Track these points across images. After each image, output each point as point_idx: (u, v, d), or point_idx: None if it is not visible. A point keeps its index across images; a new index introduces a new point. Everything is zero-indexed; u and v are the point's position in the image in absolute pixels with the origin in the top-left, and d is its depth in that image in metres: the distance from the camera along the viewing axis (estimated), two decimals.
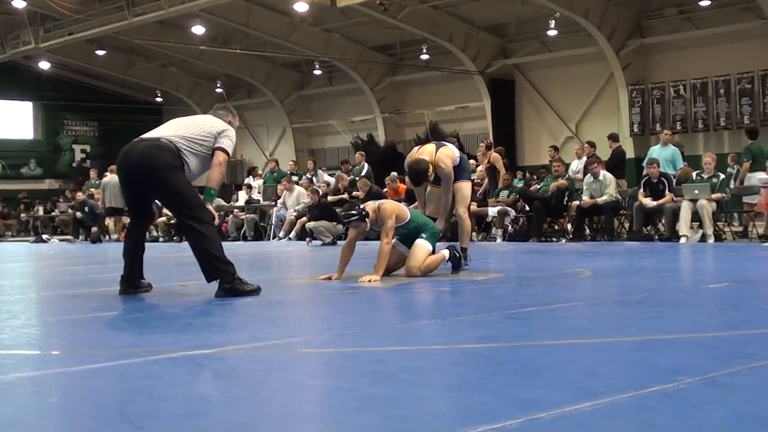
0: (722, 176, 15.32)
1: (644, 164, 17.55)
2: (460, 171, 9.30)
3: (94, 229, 23.77)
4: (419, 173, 9.02)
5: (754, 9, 24.86)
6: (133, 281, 7.31)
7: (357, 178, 20.27)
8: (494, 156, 18.24)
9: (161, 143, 6.92)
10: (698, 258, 11.75)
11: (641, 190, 15.75)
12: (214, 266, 6.79)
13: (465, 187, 9.40)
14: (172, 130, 7.09)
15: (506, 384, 3.35)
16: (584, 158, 18.27)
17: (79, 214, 24.24)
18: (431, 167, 8.97)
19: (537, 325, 5.09)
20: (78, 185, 31.72)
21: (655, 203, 15.28)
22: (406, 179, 9.67)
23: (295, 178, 22.48)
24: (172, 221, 21.97)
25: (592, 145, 18.72)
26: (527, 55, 30.59)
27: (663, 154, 16.77)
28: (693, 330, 4.75)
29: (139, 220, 7.43)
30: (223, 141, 7.06)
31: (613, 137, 18.83)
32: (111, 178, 24.68)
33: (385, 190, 19.83)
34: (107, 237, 24.88)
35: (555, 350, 4.15)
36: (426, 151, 9.19)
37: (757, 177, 16.22)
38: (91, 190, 25.79)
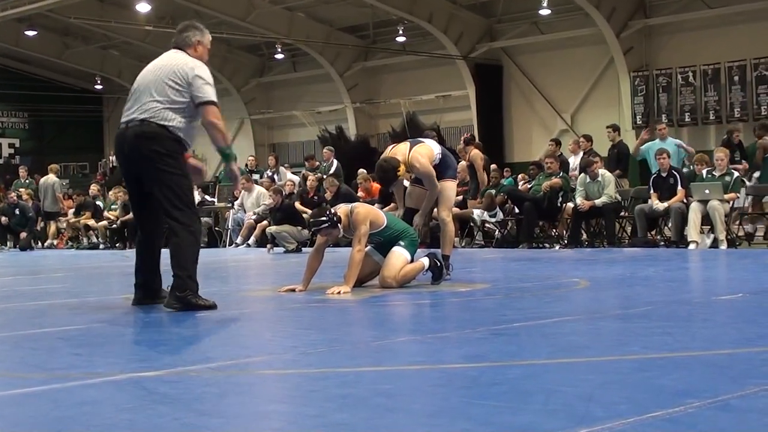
0: (736, 174, 15.40)
1: (637, 158, 17.59)
2: (444, 168, 9.31)
3: (24, 234, 23.61)
4: (387, 172, 9.01)
5: None
6: (152, 288, 7.21)
7: (324, 177, 20.26)
8: (474, 153, 18.29)
9: (149, 126, 6.88)
10: (709, 266, 11.83)
11: (651, 191, 15.75)
12: (182, 275, 6.77)
13: (449, 187, 9.40)
14: (149, 97, 6.97)
15: (493, 409, 3.36)
16: (581, 154, 18.31)
17: (5, 219, 24.07)
18: (402, 167, 8.97)
19: (527, 342, 5.11)
20: (5, 185, 31.51)
21: (666, 204, 15.25)
22: None
23: (255, 177, 22.42)
24: (113, 226, 21.86)
25: (588, 139, 18.75)
26: (517, 38, 30.66)
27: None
28: (703, 347, 4.78)
29: (145, 215, 7.28)
30: (202, 91, 6.94)
31: (615, 128, 18.90)
32: (47, 178, 24.95)
33: (360, 194, 19.82)
34: (39, 244, 24.72)
35: (548, 370, 4.17)
36: (399, 151, 9.20)
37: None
38: (21, 190, 25.66)
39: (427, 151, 9.20)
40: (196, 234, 7.00)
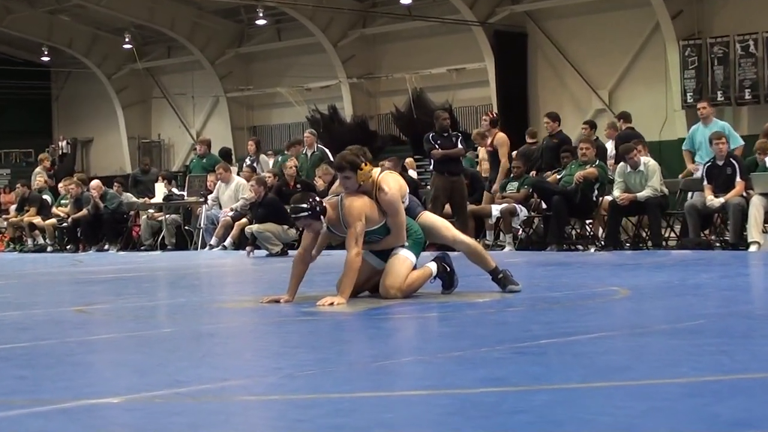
0: None
1: (684, 147, 17.48)
2: (414, 206, 9.04)
3: None
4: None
5: None
6: None
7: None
8: (500, 136, 18.30)
9: None
10: None
11: (705, 182, 15.66)
12: None
13: (432, 217, 9.12)
14: None
15: None
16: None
17: None
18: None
19: (557, 362, 5.12)
20: None
21: (722, 199, 15.14)
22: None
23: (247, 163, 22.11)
24: (63, 225, 21.85)
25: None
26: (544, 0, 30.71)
27: (708, 134, 16.52)
28: (766, 368, 4.79)
29: None
30: None
31: (625, 117, 18.92)
32: None
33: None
34: None
35: (580, 396, 4.18)
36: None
37: None
38: None
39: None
40: None
